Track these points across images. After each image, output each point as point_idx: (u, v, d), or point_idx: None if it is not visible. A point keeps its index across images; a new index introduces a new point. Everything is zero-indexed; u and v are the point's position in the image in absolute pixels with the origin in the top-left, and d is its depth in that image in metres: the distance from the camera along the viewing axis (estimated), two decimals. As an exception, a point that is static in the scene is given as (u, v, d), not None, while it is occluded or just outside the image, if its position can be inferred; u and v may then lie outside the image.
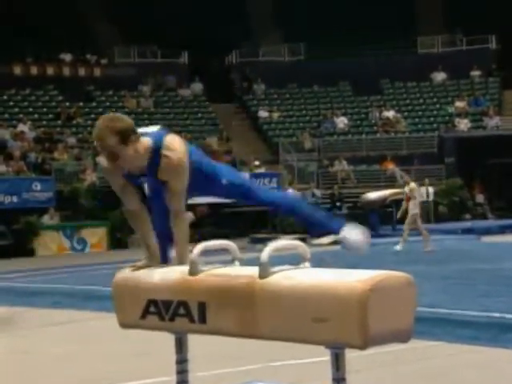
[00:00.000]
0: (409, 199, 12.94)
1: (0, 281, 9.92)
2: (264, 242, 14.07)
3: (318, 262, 2.78)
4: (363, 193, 17.68)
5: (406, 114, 25.99)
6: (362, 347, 2.41)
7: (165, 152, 2.90)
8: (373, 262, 8.49)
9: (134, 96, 25.38)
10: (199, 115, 25.21)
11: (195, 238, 3.07)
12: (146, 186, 3.06)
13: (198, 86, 26.54)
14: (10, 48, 23.88)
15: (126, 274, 3.07)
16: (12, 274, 11.11)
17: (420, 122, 25.53)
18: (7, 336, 5.87)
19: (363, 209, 17.28)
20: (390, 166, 22.51)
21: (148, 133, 2.99)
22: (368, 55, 26.54)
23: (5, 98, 23.78)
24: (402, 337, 2.53)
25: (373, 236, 15.15)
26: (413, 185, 13.02)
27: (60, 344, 5.56)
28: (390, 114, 25.35)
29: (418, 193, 13.12)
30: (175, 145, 2.92)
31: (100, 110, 24.64)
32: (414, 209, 12.79)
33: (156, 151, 2.92)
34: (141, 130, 3.01)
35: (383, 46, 26.96)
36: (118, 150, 2.84)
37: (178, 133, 20.59)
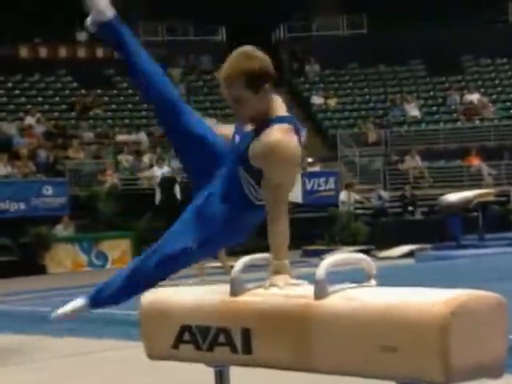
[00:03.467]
0: None
1: (6, 304, 10.10)
2: (320, 255, 14.08)
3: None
4: (441, 194, 17.61)
5: (493, 97, 25.66)
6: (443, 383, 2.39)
7: (273, 129, 2.91)
8: (454, 279, 8.39)
9: (161, 81, 25.59)
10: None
11: (236, 251, 3.09)
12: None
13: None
14: (15, 26, 24.35)
15: (154, 294, 3.10)
16: (20, 295, 11.29)
17: None
18: (17, 370, 5.98)
19: (442, 214, 17.10)
20: (475, 162, 22.24)
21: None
22: (446, 26, 26.28)
23: (9, 85, 24.24)
24: (492, 371, 2.50)
25: (454, 247, 14.84)
26: None
27: (77, 378, 5.65)
28: (474, 97, 25.05)
29: None
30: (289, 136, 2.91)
31: (121, 98, 24.98)
32: None
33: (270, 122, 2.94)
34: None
35: (465, 15, 26.64)
36: (244, 96, 2.93)
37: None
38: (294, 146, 2.90)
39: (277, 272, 2.86)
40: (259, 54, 2.97)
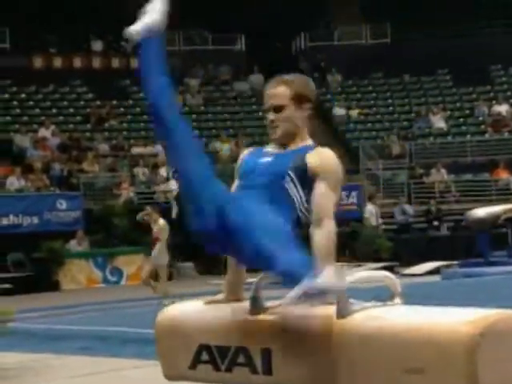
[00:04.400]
0: (156, 241, 11.75)
1: (18, 321, 10.14)
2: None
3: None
4: (468, 209, 17.50)
5: (523, 108, 25.51)
6: (471, 407, 2.37)
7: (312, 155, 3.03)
8: (483, 298, 8.33)
9: (179, 91, 25.69)
10: (259, 114, 25.36)
11: (254, 268, 3.08)
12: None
13: (257, 79, 26.70)
14: (28, 36, 24.53)
15: (171, 312, 3.10)
16: (32, 312, 11.33)
17: (541, 119, 25.03)
18: (28, 389, 6.00)
19: (469, 229, 17.01)
20: (504, 175, 22.12)
21: None
22: (473, 35, 26.22)
23: (23, 96, 24.39)
24: (522, 394, 2.48)
25: (482, 264, 14.69)
26: (162, 222, 11.82)
27: (91, 399, 5.65)
28: (503, 108, 24.93)
29: (166, 233, 11.77)
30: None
31: (137, 109, 25.06)
32: (160, 256, 11.63)
33: (306, 149, 3.05)
34: None
35: (493, 23, 26.55)
36: (286, 103, 3.05)
37: (233, 136, 20.72)
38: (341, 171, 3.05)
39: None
40: (305, 77, 3.19)
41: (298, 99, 3.05)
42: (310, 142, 3.10)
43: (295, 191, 3.00)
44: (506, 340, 2.41)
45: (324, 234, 2.91)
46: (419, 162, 23.34)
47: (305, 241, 2.93)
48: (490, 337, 2.37)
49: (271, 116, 3.06)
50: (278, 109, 3.04)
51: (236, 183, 3.14)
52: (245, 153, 3.21)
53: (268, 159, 3.07)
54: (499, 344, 2.39)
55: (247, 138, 22.65)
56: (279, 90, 3.05)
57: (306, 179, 2.98)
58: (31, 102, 24.28)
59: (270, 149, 3.12)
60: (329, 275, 2.60)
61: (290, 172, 2.99)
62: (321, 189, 2.96)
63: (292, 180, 2.99)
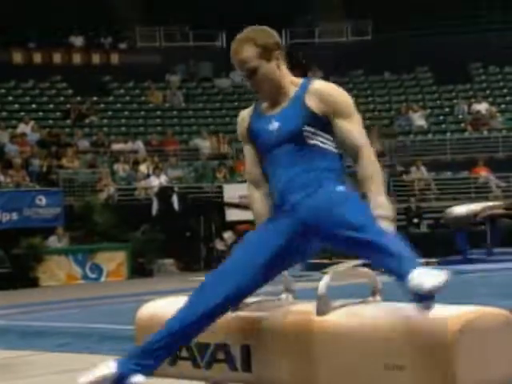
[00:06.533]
0: None
1: (-4, 317, 10.09)
2: (322, 268, 13.97)
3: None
4: (448, 207, 17.59)
5: (502, 106, 25.66)
6: (449, 403, 2.38)
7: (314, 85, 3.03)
8: (461, 295, 8.37)
9: (159, 88, 25.66)
10: (240, 111, 25.28)
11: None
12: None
13: (238, 75, 26.70)
14: (8, 30, 24.39)
15: (151, 309, 3.09)
16: (11, 309, 11.27)
17: (521, 117, 25.20)
18: (6, 386, 5.96)
19: (448, 227, 17.09)
20: (483, 173, 22.25)
21: None
22: (454, 33, 26.33)
23: (2, 91, 24.27)
24: (501, 390, 2.50)
25: (461, 262, 14.71)
26: None
27: (70, 396, 5.62)
28: (482, 107, 25.06)
29: None
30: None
31: (118, 105, 25.00)
32: None
33: (304, 85, 3.04)
34: None
35: (473, 22, 26.66)
36: (257, 64, 3.02)
37: (214, 133, 20.66)
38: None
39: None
40: (265, 28, 3.14)
41: (266, 53, 3.03)
42: (295, 82, 3.08)
43: (322, 141, 3.04)
44: (485, 336, 2.43)
45: (367, 162, 3.11)
46: (399, 159, 23.42)
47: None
48: (468, 333, 2.38)
49: (249, 82, 3.07)
50: (252, 72, 3.03)
51: (253, 151, 3.27)
52: (245, 117, 3.28)
53: (274, 125, 3.06)
54: (478, 340, 2.40)
55: (228, 134, 22.64)
56: (245, 54, 3.01)
57: (322, 122, 3.01)
58: (10, 98, 24.17)
59: (265, 109, 3.12)
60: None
61: (305, 127, 3.00)
62: (343, 124, 3.01)
63: (313, 133, 3.01)
